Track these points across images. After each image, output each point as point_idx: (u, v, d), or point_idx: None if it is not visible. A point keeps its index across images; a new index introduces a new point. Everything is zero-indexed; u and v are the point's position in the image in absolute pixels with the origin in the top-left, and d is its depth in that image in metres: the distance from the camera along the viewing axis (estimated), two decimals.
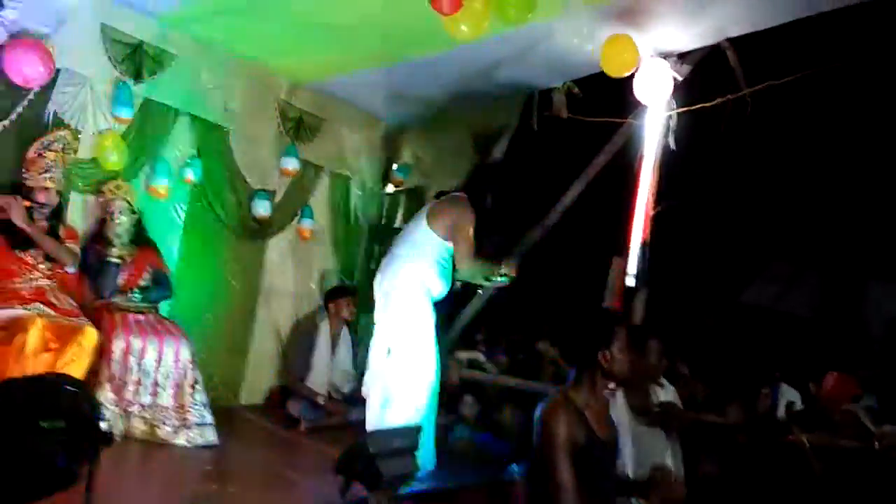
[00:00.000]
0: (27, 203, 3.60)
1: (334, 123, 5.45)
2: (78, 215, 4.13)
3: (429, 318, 3.77)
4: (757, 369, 4.21)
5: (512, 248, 5.25)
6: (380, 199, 5.87)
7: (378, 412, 3.69)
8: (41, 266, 3.66)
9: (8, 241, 3.57)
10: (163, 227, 4.56)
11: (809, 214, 5.09)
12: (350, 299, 5.18)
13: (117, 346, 3.67)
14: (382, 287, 3.83)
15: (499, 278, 3.76)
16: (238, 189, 4.93)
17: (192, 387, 3.87)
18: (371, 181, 5.80)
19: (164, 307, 4.33)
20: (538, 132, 4.79)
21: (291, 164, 5.14)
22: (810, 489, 2.98)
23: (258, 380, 5.15)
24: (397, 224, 5.78)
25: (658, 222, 4.29)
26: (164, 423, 3.70)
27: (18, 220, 3.50)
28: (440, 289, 3.82)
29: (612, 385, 2.37)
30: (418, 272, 3.74)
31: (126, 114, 4.23)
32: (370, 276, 5.61)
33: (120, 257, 4.07)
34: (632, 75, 3.87)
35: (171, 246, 4.62)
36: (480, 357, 5.85)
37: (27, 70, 3.65)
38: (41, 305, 3.52)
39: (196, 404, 3.84)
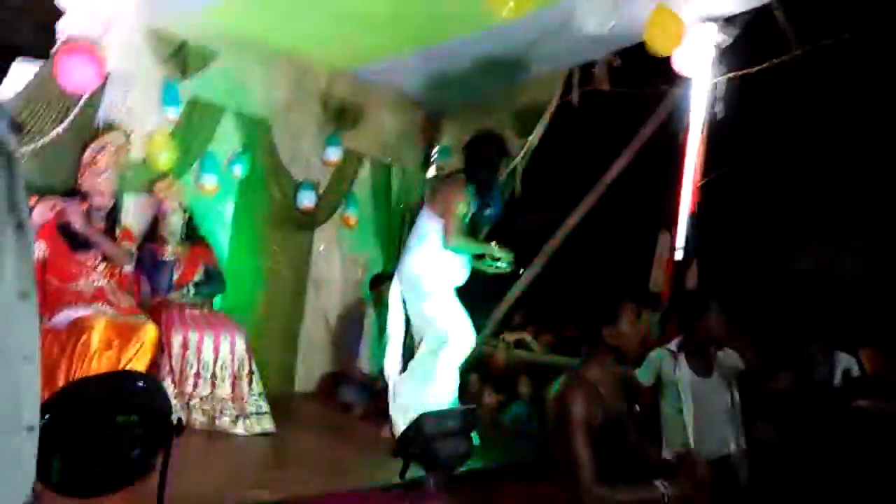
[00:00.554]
0: (84, 206, 3.71)
1: (374, 110, 5.47)
2: (132, 215, 4.24)
3: (445, 303, 3.77)
4: (810, 336, 4.11)
5: (548, 228, 5.22)
6: (421, 185, 5.88)
7: (413, 394, 3.74)
8: (100, 267, 3.76)
9: (68, 244, 3.68)
10: (213, 223, 4.66)
11: (860, 175, 4.91)
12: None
13: (176, 341, 3.79)
14: (399, 278, 3.88)
15: (496, 263, 3.73)
16: (283, 182, 5.01)
17: (249, 377, 3.96)
18: (412, 166, 5.82)
19: (217, 301, 4.44)
20: (579, 108, 4.72)
21: (334, 154, 5.19)
22: (873, 457, 2.91)
23: (311, 367, 5.26)
24: None
25: (706, 192, 4.21)
26: (222, 414, 3.81)
27: (77, 223, 3.61)
28: (457, 272, 3.80)
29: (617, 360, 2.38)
30: (428, 260, 3.74)
31: (174, 113, 4.32)
32: None
33: (174, 255, 4.18)
34: None
35: (222, 241, 4.72)
36: (527, 337, 5.86)
37: (79, 76, 3.74)
38: (102, 305, 3.63)
39: (253, 394, 3.94)
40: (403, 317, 3.93)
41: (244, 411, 3.87)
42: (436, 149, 5.82)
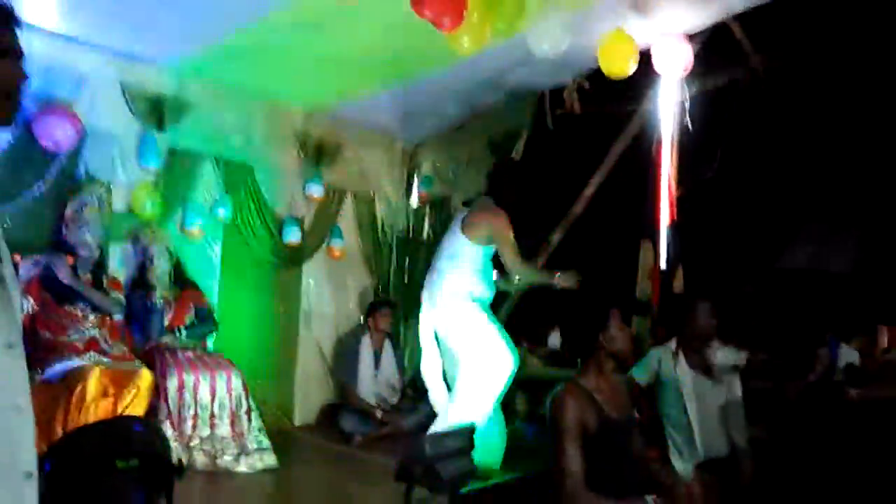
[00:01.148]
0: (70, 259, 3.75)
1: (353, 146, 5.56)
2: (119, 264, 4.28)
3: (483, 320, 3.85)
4: (804, 332, 4.17)
5: (538, 247, 5.29)
6: (405, 214, 5.96)
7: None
8: (91, 317, 3.79)
9: (55, 298, 3.71)
10: (201, 266, 4.71)
11: (836, 174, 5.02)
12: (387, 311, 5.29)
13: (171, 384, 3.80)
14: (431, 303, 3.94)
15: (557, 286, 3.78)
16: (268, 220, 5.06)
17: (248, 414, 3.98)
18: (394, 197, 5.90)
19: (210, 342, 4.47)
20: (553, 131, 4.83)
21: (316, 191, 5.26)
22: (867, 446, 2.96)
23: (308, 400, 5.28)
24: (424, 236, 5.87)
25: (685, 202, 4.30)
26: (224, 453, 3.81)
27: (64, 276, 3.66)
28: (485, 292, 3.91)
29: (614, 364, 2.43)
30: (462, 282, 3.84)
31: (153, 163, 4.38)
32: (404, 288, 5.77)
33: (163, 300, 4.22)
34: (643, 61, 3.88)
35: (211, 283, 4.76)
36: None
37: (58, 135, 3.83)
38: (95, 354, 3.65)
39: (253, 430, 3.96)
40: (436, 343, 3.98)
41: (245, 449, 3.88)
42: (416, 179, 5.91)
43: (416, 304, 5.58)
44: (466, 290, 3.84)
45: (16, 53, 1.24)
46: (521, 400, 4.96)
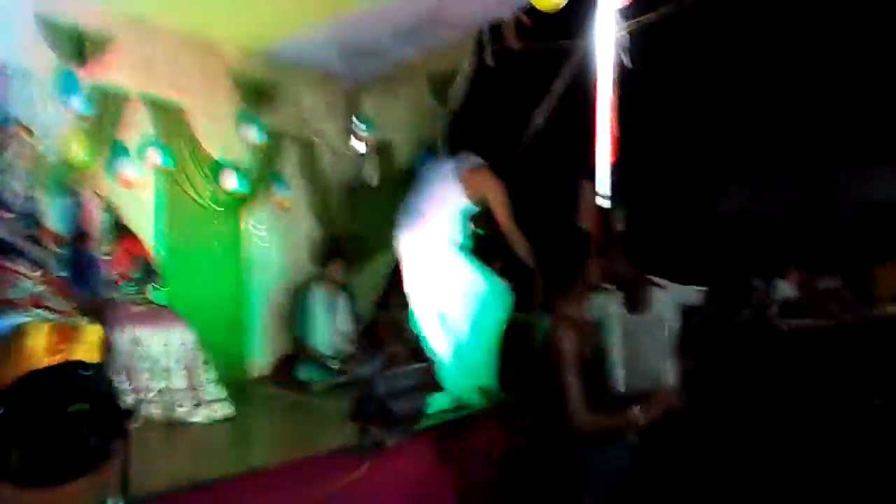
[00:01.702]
0: (7, 214, 3.58)
1: (292, 88, 5.42)
2: (57, 218, 4.06)
3: (468, 267, 3.92)
4: (740, 270, 4.35)
5: None
6: (349, 160, 5.87)
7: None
8: (33, 273, 3.65)
9: None
10: (141, 216, 4.55)
11: (774, 111, 5.13)
12: (339, 262, 5.28)
13: (122, 339, 3.76)
14: (413, 246, 3.96)
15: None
16: (204, 165, 4.92)
17: (203, 366, 3.97)
18: (338, 142, 5.80)
19: (158, 295, 4.36)
20: (495, 68, 4.80)
21: (255, 135, 5.12)
22: (798, 373, 3.15)
23: (263, 351, 5.26)
24: (374, 183, 5.80)
25: (626, 141, 4.37)
26: (179, 406, 3.81)
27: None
28: (462, 239, 3.99)
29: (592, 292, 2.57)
30: (450, 231, 3.91)
31: (77, 103, 4.15)
32: (355, 237, 5.73)
33: (105, 253, 4.09)
34: None
35: (153, 233, 4.63)
36: None
37: None
38: (40, 311, 3.52)
39: (208, 382, 3.95)
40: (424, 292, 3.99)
41: (201, 399, 3.88)
42: (356, 121, 5.81)
43: (365, 251, 5.61)
44: (454, 238, 3.91)
45: None
46: None
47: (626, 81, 4.31)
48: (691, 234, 4.35)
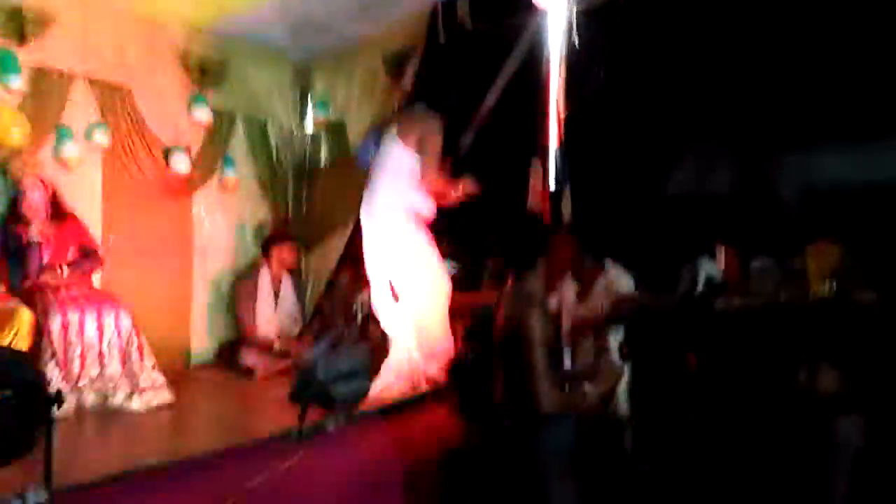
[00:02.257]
0: None
1: (240, 65, 5.29)
2: None
3: (425, 241, 3.79)
4: (682, 253, 4.37)
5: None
6: (301, 140, 5.79)
7: (410, 353, 3.76)
8: None
9: None
10: (83, 199, 4.44)
11: (719, 94, 5.15)
12: (290, 244, 5.22)
13: (55, 324, 3.64)
14: (368, 223, 3.82)
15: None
16: (152, 148, 4.81)
17: (139, 351, 3.89)
18: (288, 122, 5.70)
19: (96, 278, 4.28)
20: (446, 47, 4.76)
21: (202, 115, 5.01)
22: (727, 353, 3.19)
23: (206, 337, 5.18)
24: (322, 164, 5.72)
25: (574, 123, 4.37)
26: (115, 391, 3.73)
27: None
28: (425, 208, 3.80)
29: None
30: (399, 197, 3.72)
31: (15, 82, 4.05)
32: (304, 219, 5.67)
33: (39, 236, 3.98)
34: None
35: (93, 215, 4.51)
36: None
37: None
38: None
39: (146, 368, 3.87)
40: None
41: (138, 386, 3.80)
42: (311, 103, 5.72)
43: (315, 233, 5.56)
44: (404, 205, 3.72)
45: None
46: None
47: (574, 62, 4.31)
48: (636, 217, 4.37)
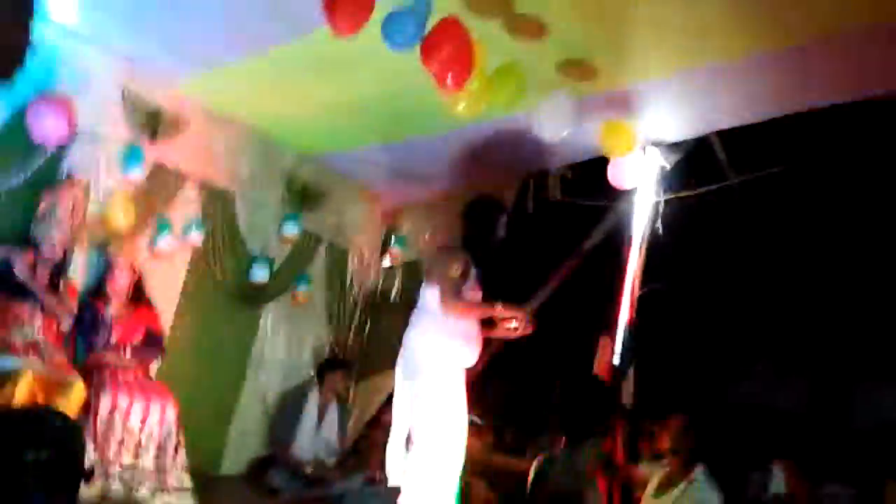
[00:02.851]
0: (31, 256, 3.68)
1: (336, 196, 5.59)
2: (81, 270, 4.19)
3: (451, 393, 3.47)
4: (747, 458, 4.19)
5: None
6: (376, 273, 5.95)
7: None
8: (37, 319, 3.69)
9: (6, 293, 3.62)
10: (162, 288, 4.61)
11: (794, 308, 5.14)
12: (344, 373, 5.23)
13: (104, 404, 3.69)
14: (399, 366, 3.63)
15: (509, 325, 3.46)
16: (239, 254, 5.03)
17: (175, 450, 3.86)
18: (368, 254, 5.90)
19: (153, 368, 4.35)
20: (533, 213, 4.94)
21: (292, 232, 5.25)
22: None
23: (241, 449, 5.09)
24: (392, 297, 5.83)
25: (645, 304, 4.37)
26: (141, 486, 3.67)
27: (20, 271, 3.59)
28: (466, 352, 3.50)
29: None
30: (430, 341, 3.46)
31: (136, 175, 4.35)
32: (362, 347, 5.70)
33: (116, 314, 4.13)
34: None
35: (168, 307, 4.66)
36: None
37: (50, 128, 3.79)
38: (32, 358, 3.52)
39: (177, 468, 3.82)
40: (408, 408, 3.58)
41: (166, 483, 3.74)
42: (393, 238, 5.92)
43: (371, 366, 5.55)
44: (434, 349, 3.42)
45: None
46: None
47: (656, 248, 4.38)
48: (696, 415, 4.23)
